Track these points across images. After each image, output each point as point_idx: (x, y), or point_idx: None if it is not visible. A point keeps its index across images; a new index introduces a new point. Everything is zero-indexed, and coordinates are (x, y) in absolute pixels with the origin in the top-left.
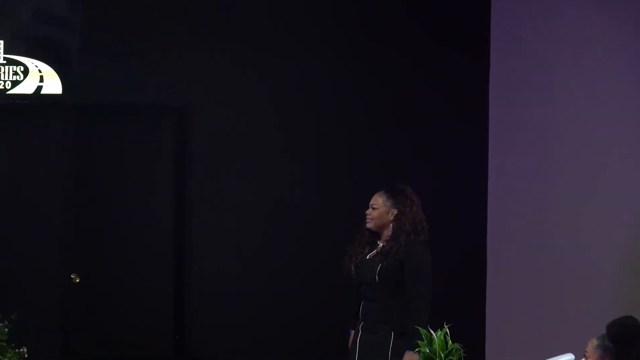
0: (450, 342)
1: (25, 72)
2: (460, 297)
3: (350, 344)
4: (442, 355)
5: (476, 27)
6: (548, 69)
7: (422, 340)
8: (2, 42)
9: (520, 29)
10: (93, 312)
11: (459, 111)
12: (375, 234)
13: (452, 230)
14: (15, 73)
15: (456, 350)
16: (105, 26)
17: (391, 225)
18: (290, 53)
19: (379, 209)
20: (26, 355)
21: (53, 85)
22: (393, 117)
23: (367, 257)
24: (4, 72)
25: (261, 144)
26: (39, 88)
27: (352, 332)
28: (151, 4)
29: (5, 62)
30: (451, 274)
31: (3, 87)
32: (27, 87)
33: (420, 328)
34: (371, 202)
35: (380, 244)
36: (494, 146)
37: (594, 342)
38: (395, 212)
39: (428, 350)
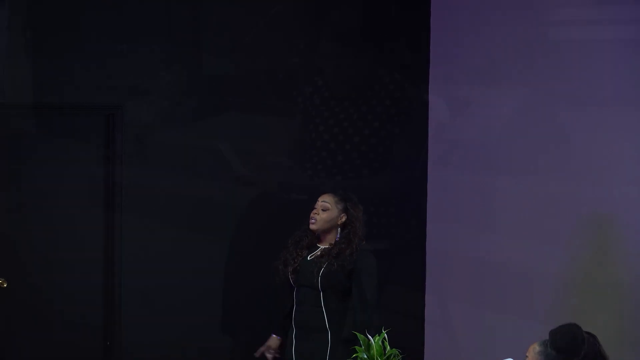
0: (388, 347)
1: None
2: (398, 302)
3: (265, 348)
4: None
5: (416, 25)
6: (488, 68)
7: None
8: None
9: (460, 29)
10: (19, 317)
11: (398, 113)
12: (315, 237)
13: (391, 234)
14: None
15: (394, 356)
16: (31, 25)
17: (338, 229)
18: (221, 52)
19: (331, 211)
20: None
21: None
22: (331, 118)
23: (309, 259)
24: None
25: (192, 144)
26: None
27: (274, 336)
28: (76, 2)
29: None
30: (390, 279)
31: None
32: None
33: (357, 333)
34: (322, 203)
35: (321, 246)
36: (433, 149)
37: (535, 348)
38: (344, 217)
39: (366, 356)
